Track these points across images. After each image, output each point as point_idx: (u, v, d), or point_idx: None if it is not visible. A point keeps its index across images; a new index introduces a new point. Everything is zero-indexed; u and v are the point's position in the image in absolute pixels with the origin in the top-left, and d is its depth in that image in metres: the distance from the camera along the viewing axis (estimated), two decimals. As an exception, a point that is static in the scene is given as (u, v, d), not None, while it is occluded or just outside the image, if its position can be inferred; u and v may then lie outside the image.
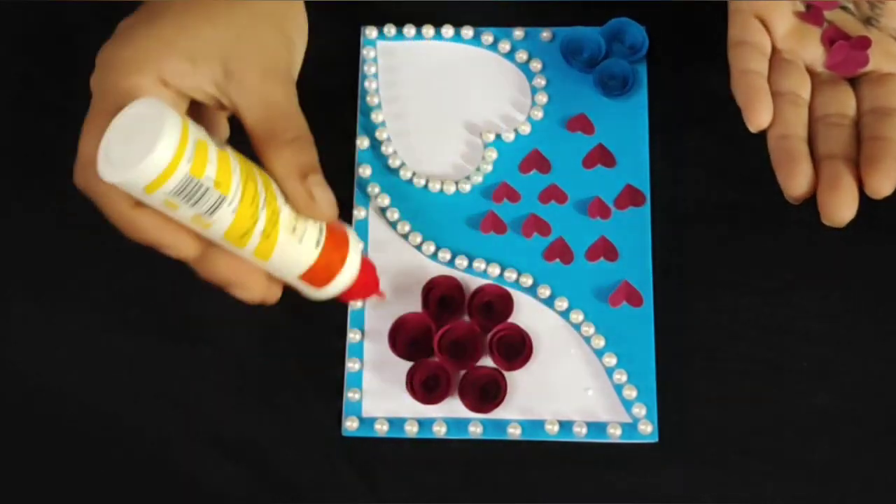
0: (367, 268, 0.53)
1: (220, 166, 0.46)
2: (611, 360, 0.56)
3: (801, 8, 0.56)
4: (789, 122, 0.53)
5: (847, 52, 0.55)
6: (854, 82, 0.55)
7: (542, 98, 0.62)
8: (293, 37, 0.52)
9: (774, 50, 0.56)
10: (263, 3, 0.51)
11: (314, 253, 0.50)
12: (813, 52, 0.56)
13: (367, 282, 0.53)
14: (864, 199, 0.51)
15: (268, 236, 0.48)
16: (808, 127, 0.54)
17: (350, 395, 0.57)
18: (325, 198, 0.49)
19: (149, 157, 0.44)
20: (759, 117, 0.52)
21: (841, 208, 0.51)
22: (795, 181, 0.52)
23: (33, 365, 0.58)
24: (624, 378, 0.56)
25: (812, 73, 0.55)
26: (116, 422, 0.57)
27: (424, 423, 0.56)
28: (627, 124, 0.61)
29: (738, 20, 0.55)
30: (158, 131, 0.44)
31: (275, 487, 0.56)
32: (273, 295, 0.51)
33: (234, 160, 0.47)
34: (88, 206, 0.61)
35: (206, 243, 0.48)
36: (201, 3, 0.50)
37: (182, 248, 0.47)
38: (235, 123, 0.51)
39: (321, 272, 0.51)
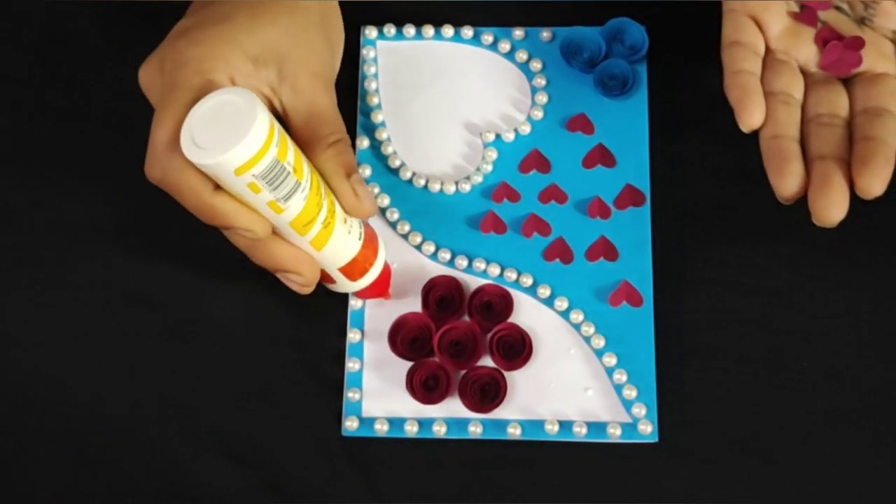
0: (386, 266, 0.57)
1: (296, 154, 0.49)
2: (611, 360, 0.56)
3: (795, 8, 0.56)
4: (781, 122, 0.53)
5: (840, 52, 0.55)
6: (847, 82, 0.55)
7: (542, 98, 0.62)
8: (336, 42, 0.56)
9: (768, 50, 0.56)
10: (315, 8, 0.54)
11: (357, 245, 0.54)
12: (807, 52, 0.56)
13: (384, 280, 0.57)
14: (865, 200, 0.51)
15: (327, 225, 0.51)
16: (800, 127, 0.54)
17: (350, 395, 0.57)
18: (368, 195, 0.53)
19: (245, 138, 0.46)
20: (751, 117, 0.53)
21: (831, 208, 0.51)
22: (786, 181, 0.52)
23: (33, 365, 0.58)
24: (624, 378, 0.56)
25: (806, 73, 0.55)
26: (116, 422, 0.57)
27: (424, 423, 0.56)
28: (627, 124, 0.61)
29: (731, 20, 0.55)
30: (252, 115, 0.47)
31: (275, 487, 0.56)
32: (314, 284, 0.54)
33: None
34: (88, 205, 0.61)
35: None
36: (268, 6, 0.52)
37: (258, 229, 0.50)
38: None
39: (359, 265, 0.54)
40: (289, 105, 0.52)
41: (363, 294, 0.57)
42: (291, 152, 0.49)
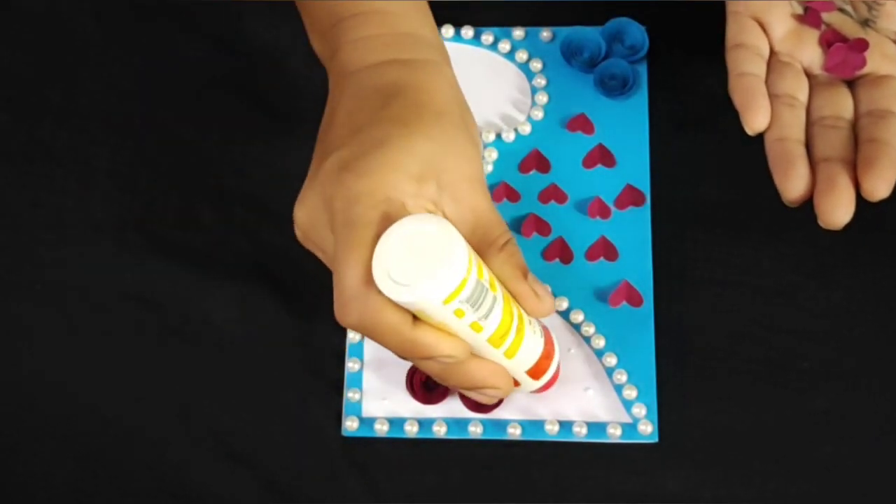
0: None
1: (482, 269, 0.47)
2: (611, 360, 0.56)
3: (799, 10, 0.56)
4: (786, 124, 0.53)
5: (844, 54, 0.55)
6: (852, 84, 0.55)
7: (542, 98, 0.62)
8: (478, 139, 0.53)
9: (772, 52, 0.56)
10: (456, 110, 0.52)
11: (542, 343, 0.52)
12: (811, 54, 0.56)
13: (558, 369, 0.55)
14: (865, 200, 0.51)
15: (519, 332, 0.49)
16: (805, 129, 0.54)
17: (350, 395, 0.57)
18: (547, 293, 0.51)
19: (452, 267, 0.44)
20: (756, 120, 0.53)
21: (837, 211, 0.51)
22: (791, 184, 0.52)
23: (33, 365, 0.58)
24: (624, 378, 0.56)
25: (810, 75, 0.55)
26: (117, 422, 0.57)
27: (424, 423, 0.56)
28: (627, 124, 0.61)
29: (735, 22, 0.55)
30: (451, 241, 0.45)
31: (274, 487, 0.56)
32: (510, 392, 0.52)
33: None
34: (88, 205, 0.61)
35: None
36: (417, 121, 0.50)
37: (459, 353, 0.48)
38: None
39: (543, 362, 0.52)
40: (453, 215, 0.49)
41: (542, 389, 0.55)
42: (484, 268, 0.47)
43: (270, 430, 0.57)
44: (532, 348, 0.51)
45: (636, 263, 0.58)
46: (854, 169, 0.51)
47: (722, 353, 0.57)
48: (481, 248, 0.49)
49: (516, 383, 0.52)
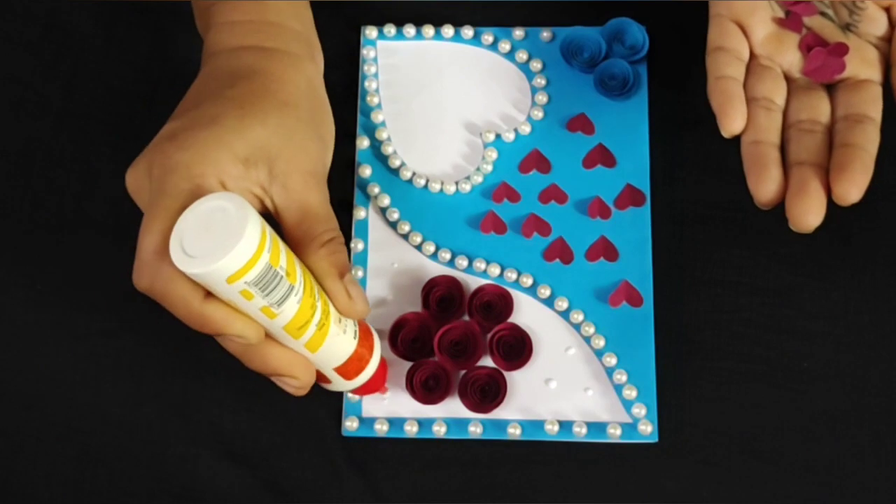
0: (382, 362, 0.55)
1: (288, 257, 0.48)
2: (611, 360, 0.56)
3: (781, 14, 0.56)
4: (762, 127, 0.53)
5: (824, 58, 0.55)
6: (831, 88, 0.55)
7: (542, 98, 0.62)
8: (327, 138, 0.54)
9: (752, 55, 0.56)
10: (305, 105, 0.53)
11: (353, 344, 0.52)
12: (791, 57, 0.56)
13: (380, 376, 0.55)
14: (865, 200, 0.51)
15: (321, 327, 0.50)
16: (782, 132, 0.54)
17: (350, 394, 0.57)
18: (361, 295, 0.51)
19: (236, 246, 0.45)
20: (731, 123, 0.53)
21: (807, 214, 0.51)
22: (763, 186, 0.52)
23: (33, 365, 0.58)
24: (624, 378, 0.56)
25: (789, 78, 0.56)
26: (117, 422, 0.57)
27: (424, 423, 0.56)
28: (627, 124, 0.61)
29: (716, 25, 0.56)
30: (244, 221, 0.45)
31: (274, 487, 0.56)
32: (310, 386, 0.52)
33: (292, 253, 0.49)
34: (88, 205, 0.61)
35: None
36: (257, 105, 0.51)
37: (250, 335, 0.48)
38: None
39: (354, 364, 0.53)
40: (280, 204, 0.51)
41: (360, 391, 0.55)
42: (284, 256, 0.47)
43: (270, 429, 0.57)
44: (340, 346, 0.51)
45: (636, 263, 0.58)
46: (827, 174, 0.51)
47: (722, 353, 0.57)
48: (303, 241, 0.50)
49: (325, 379, 0.53)
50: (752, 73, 0.55)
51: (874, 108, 0.54)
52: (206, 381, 0.58)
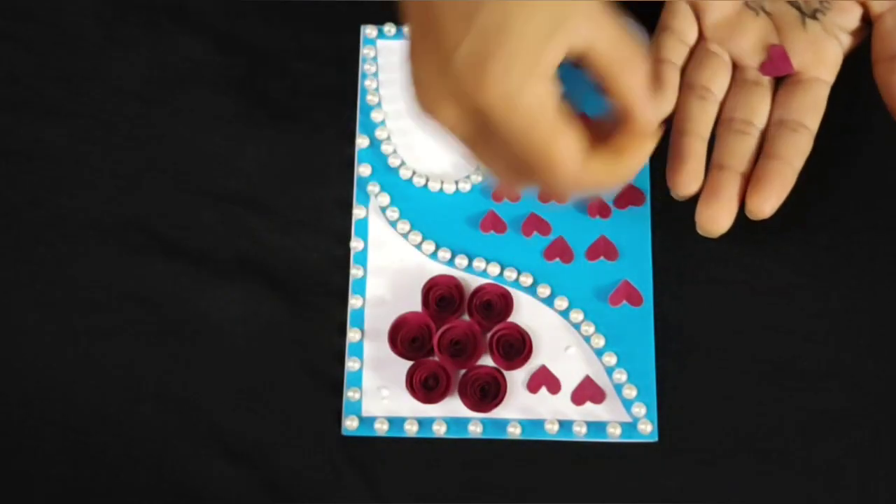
0: None
1: None
2: (611, 359, 0.56)
3: None
4: (692, 117, 0.52)
5: (770, 54, 0.53)
6: (779, 82, 0.54)
7: (542, 98, 0.62)
8: None
9: (701, 37, 0.54)
10: None
11: None
12: (745, 45, 0.54)
13: None
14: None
15: None
16: (713, 124, 0.53)
17: (350, 394, 0.57)
18: None
19: None
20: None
21: (713, 220, 0.51)
22: (680, 179, 0.52)
23: (33, 365, 0.58)
24: (624, 378, 0.56)
25: (739, 67, 0.54)
26: (116, 421, 0.57)
27: (424, 423, 0.56)
28: (627, 124, 0.61)
29: (670, 4, 0.54)
30: None
31: (274, 487, 0.56)
32: None
33: None
34: (88, 205, 0.61)
35: None
36: None
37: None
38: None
39: None
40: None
41: None
42: None
43: (270, 429, 0.57)
44: None
45: (636, 263, 0.58)
46: (746, 181, 0.51)
47: (722, 353, 0.57)
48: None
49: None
50: (694, 58, 0.54)
51: (813, 115, 0.53)
52: (206, 381, 0.57)
